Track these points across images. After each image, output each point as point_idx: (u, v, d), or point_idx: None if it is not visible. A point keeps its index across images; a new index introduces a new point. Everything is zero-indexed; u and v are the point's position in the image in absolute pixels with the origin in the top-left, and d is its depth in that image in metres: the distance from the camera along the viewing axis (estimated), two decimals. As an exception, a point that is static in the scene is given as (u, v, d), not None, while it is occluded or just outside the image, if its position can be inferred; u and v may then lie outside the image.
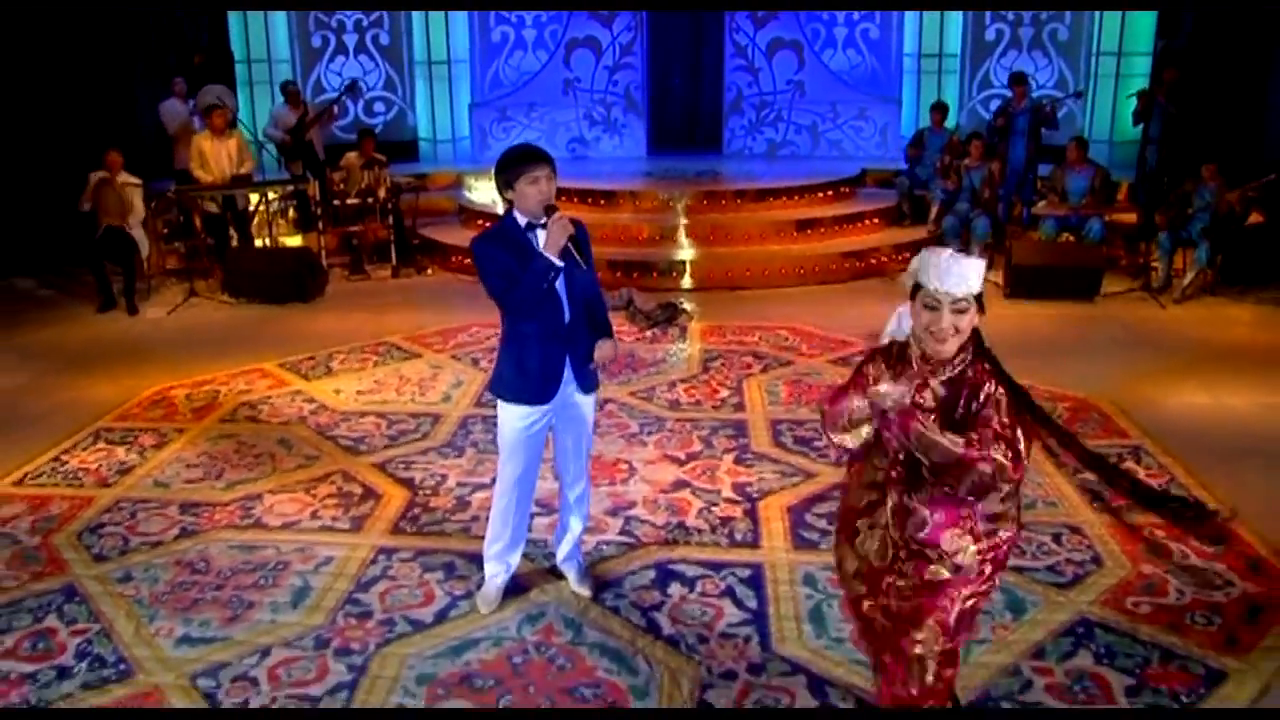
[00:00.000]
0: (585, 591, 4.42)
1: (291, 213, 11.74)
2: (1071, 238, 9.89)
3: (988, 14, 12.96)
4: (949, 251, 2.84)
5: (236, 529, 5.09)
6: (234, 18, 13.17)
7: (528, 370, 4.05)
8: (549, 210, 3.86)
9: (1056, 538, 4.86)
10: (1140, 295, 9.28)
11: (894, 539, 2.99)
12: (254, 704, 3.74)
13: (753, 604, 4.34)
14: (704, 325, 8.55)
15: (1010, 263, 9.31)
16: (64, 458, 6.02)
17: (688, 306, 8.91)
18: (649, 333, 8.37)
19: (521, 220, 3.94)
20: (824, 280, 9.94)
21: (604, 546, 4.86)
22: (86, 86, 11.15)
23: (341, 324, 8.77)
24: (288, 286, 9.42)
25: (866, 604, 3.10)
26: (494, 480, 4.42)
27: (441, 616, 4.28)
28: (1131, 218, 10.56)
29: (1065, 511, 5.13)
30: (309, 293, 9.51)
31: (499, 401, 4.16)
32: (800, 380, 7.15)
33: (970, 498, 2.84)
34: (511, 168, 3.90)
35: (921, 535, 2.92)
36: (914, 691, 2.99)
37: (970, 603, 2.97)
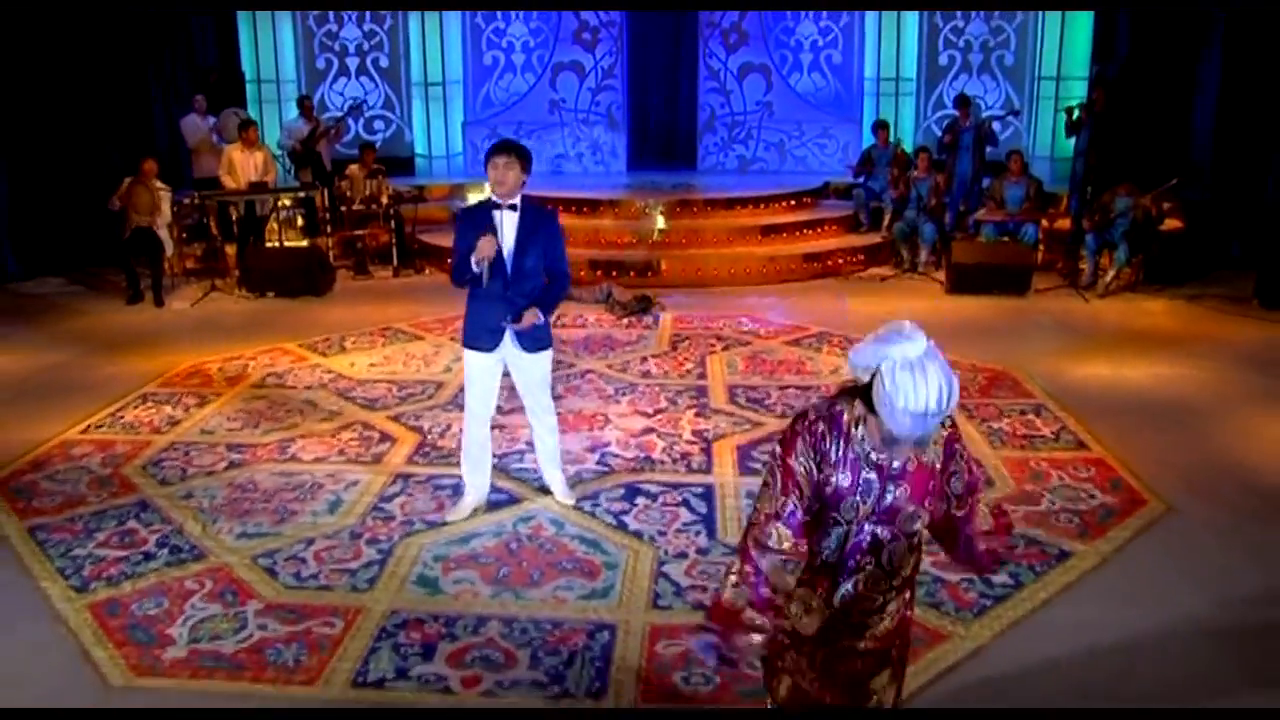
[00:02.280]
0: (569, 500, 5.41)
1: (299, 219, 12.72)
2: (1009, 240, 10.96)
3: (940, 41, 14.08)
4: (919, 404, 2.43)
5: (276, 462, 6.08)
6: (244, 40, 14.19)
7: (473, 323, 5.06)
8: (499, 187, 4.83)
9: (957, 466, 5.87)
10: (1068, 291, 10.35)
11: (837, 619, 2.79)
12: (304, 575, 4.72)
13: (703, 510, 5.36)
14: (674, 314, 9.56)
15: (951, 261, 10.37)
16: (119, 414, 6.99)
17: (661, 300, 9.93)
18: (625, 320, 9.38)
19: (497, 200, 4.92)
20: (785, 279, 10.97)
21: (584, 474, 5.86)
22: (106, 102, 12.08)
23: (350, 314, 9.74)
24: (301, 282, 10.41)
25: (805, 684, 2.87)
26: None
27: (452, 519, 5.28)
28: (1068, 224, 11.64)
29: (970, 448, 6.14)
30: (320, 288, 10.49)
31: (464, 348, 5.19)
32: (756, 356, 8.17)
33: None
34: (486, 158, 4.92)
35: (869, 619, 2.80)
36: None
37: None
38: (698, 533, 5.11)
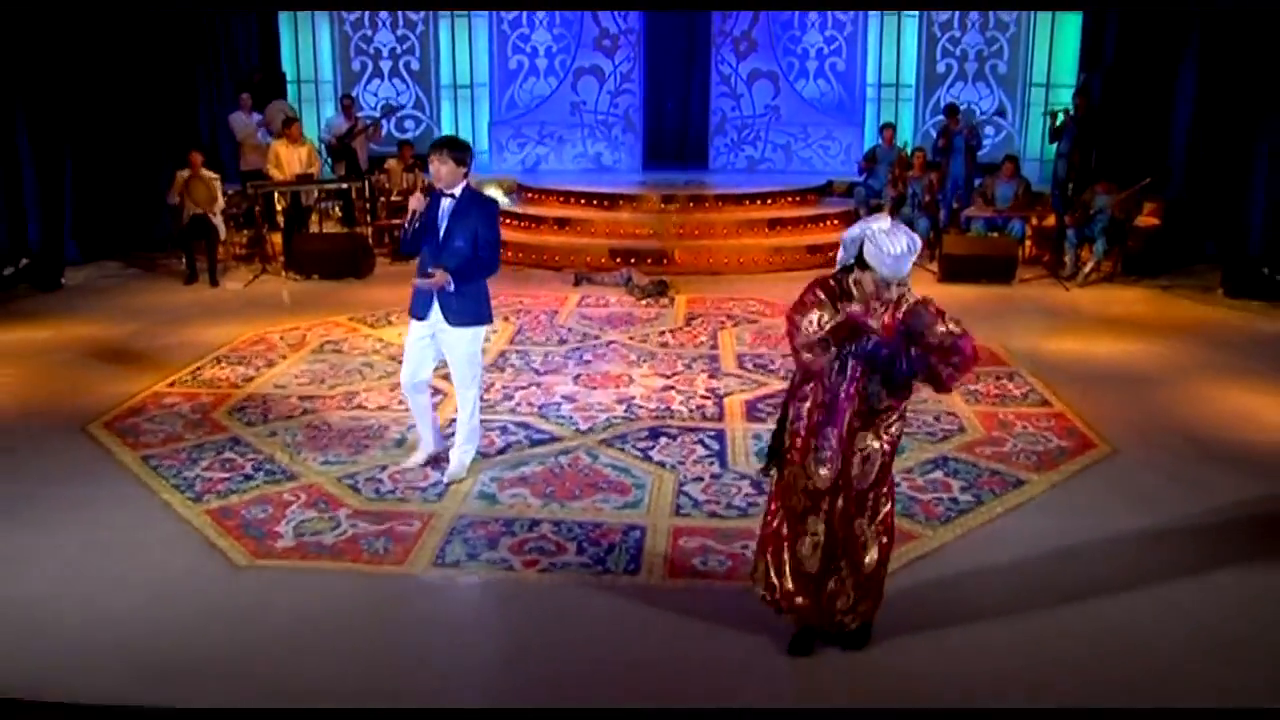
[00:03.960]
0: (459, 476, 5.80)
1: (336, 210, 13.66)
2: (997, 235, 11.86)
3: (939, 49, 15.00)
4: (897, 249, 3.61)
5: (344, 410, 7.01)
6: (285, 44, 15.16)
7: (414, 294, 5.71)
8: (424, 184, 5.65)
9: (936, 417, 6.80)
10: (1050, 281, 11.25)
11: (845, 448, 3.82)
12: (382, 491, 5.64)
13: (716, 448, 6.28)
14: (688, 296, 10.47)
15: (942, 252, 11.28)
16: (198, 371, 7.91)
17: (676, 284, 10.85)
18: (644, 301, 10.29)
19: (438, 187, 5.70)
20: (790, 268, 11.85)
21: (613, 420, 6.77)
22: (156, 101, 12.98)
23: (391, 294, 10.61)
24: (345, 264, 11.34)
25: (810, 518, 3.92)
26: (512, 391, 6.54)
27: (501, 451, 6.20)
28: (1054, 221, 12.54)
29: (947, 405, 7.05)
30: (362, 271, 11.43)
31: None
32: (763, 331, 9.07)
33: (952, 381, 3.84)
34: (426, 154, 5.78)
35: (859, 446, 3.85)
36: (874, 559, 4.01)
37: (888, 487, 4.02)
38: (711, 463, 6.04)
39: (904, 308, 3.81)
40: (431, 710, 3.93)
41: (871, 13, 14.96)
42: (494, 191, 13.81)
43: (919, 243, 3.79)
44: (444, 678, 4.08)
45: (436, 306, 5.64)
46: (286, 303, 10.35)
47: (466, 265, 5.63)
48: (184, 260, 11.43)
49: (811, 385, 3.92)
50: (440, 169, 5.55)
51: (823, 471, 3.89)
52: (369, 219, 12.65)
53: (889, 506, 4.09)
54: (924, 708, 3.88)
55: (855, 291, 3.82)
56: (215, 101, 13.93)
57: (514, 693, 3.98)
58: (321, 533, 5.17)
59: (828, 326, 3.77)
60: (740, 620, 4.34)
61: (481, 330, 5.82)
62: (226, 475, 5.89)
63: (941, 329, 3.80)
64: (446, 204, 5.60)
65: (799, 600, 4.04)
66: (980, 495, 5.60)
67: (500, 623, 4.50)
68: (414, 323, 5.79)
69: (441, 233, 5.62)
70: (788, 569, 4.04)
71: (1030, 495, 5.64)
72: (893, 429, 3.97)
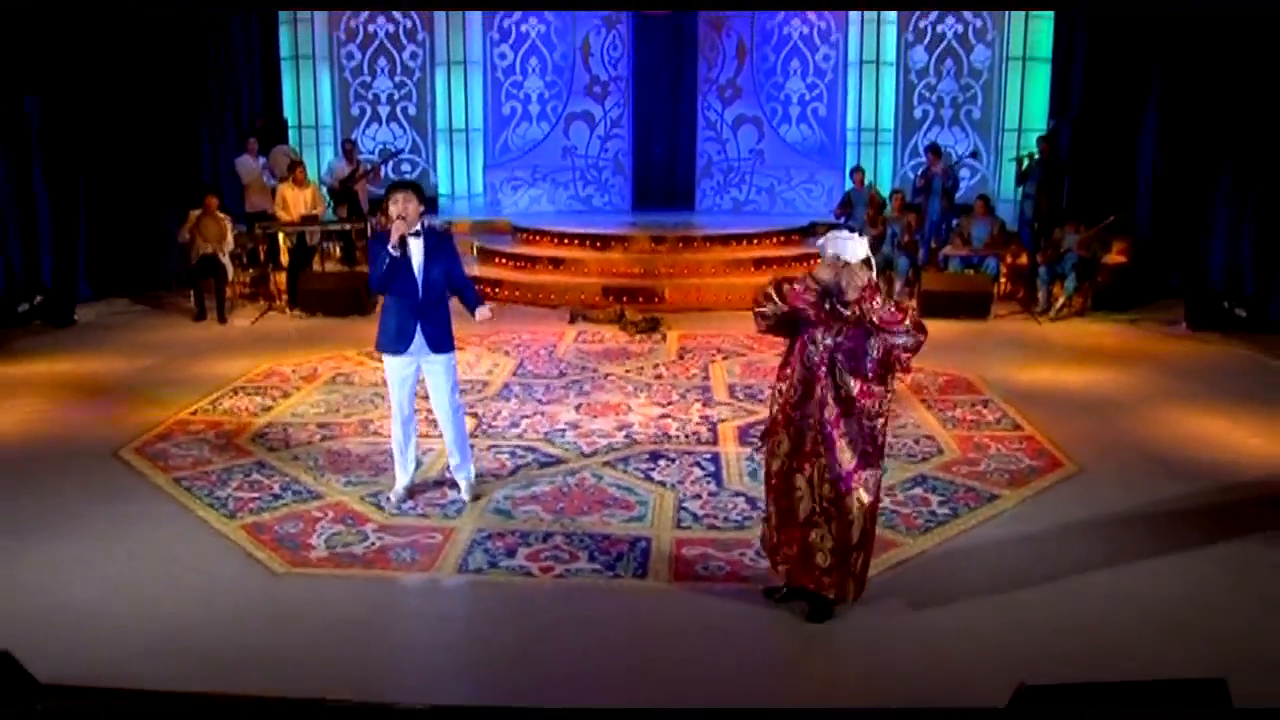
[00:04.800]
0: (467, 497, 6.21)
1: (336, 251, 14.13)
2: (973, 272, 12.43)
3: (915, 96, 15.66)
4: (835, 236, 4.65)
5: (361, 436, 7.45)
6: (287, 89, 15.69)
7: (387, 329, 5.98)
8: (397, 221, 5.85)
9: (916, 440, 7.29)
10: (1023, 316, 11.81)
11: (814, 425, 4.62)
12: (404, 508, 6.08)
13: (712, 469, 6.75)
14: (680, 332, 10.97)
15: (921, 289, 11.82)
16: (218, 401, 8.34)
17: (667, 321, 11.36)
18: (637, 336, 10.78)
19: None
20: (776, 305, 12.37)
21: (614, 445, 7.24)
22: (161, 142, 13.45)
23: (394, 330, 11.11)
24: (349, 302, 11.80)
25: (796, 477, 4.68)
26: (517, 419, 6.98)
27: (512, 473, 6.65)
28: (1026, 259, 13.12)
29: (926, 430, 7.55)
30: (366, 308, 11.88)
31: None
32: (752, 364, 9.56)
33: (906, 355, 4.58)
34: (386, 195, 6.17)
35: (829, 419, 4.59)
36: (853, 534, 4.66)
37: (872, 475, 4.67)
38: (709, 482, 6.51)
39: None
40: (464, 708, 4.12)
41: (851, 61, 15.61)
42: (492, 233, 14.37)
43: (859, 241, 4.67)
44: (473, 671, 4.52)
45: (420, 338, 6.01)
46: (293, 338, 10.79)
47: (468, 292, 6.21)
48: (192, 298, 11.88)
49: (791, 365, 4.73)
50: (408, 207, 5.87)
51: (800, 441, 4.68)
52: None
53: (869, 498, 4.69)
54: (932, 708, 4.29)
55: (817, 281, 4.65)
56: (220, 145, 14.42)
57: (538, 687, 4.40)
58: (351, 544, 5.61)
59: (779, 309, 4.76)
60: (739, 617, 4.81)
61: (455, 354, 6.29)
62: (256, 495, 6.32)
63: (878, 304, 4.55)
64: (414, 242, 5.92)
65: (787, 551, 4.82)
66: (957, 509, 6.09)
67: (523, 621, 4.91)
68: (394, 359, 6.05)
69: (418, 269, 5.94)
70: (775, 520, 4.85)
71: (1002, 509, 6.13)
72: (869, 421, 4.62)
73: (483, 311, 6.22)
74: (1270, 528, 5.87)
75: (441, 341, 6.07)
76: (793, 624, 4.84)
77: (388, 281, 5.91)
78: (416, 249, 5.96)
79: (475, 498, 6.22)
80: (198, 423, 7.80)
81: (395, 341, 6.01)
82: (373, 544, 5.62)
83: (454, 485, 6.38)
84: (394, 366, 6.10)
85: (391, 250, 5.80)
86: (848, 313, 4.57)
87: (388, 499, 6.21)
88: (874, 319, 4.56)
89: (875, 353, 4.63)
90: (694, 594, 5.12)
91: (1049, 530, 5.83)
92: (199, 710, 3.83)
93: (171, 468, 6.82)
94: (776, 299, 4.76)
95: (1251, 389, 8.73)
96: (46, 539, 5.68)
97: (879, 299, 4.60)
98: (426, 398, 6.35)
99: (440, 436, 6.52)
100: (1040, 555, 5.53)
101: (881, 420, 4.70)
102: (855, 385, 4.62)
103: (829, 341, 4.65)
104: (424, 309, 5.98)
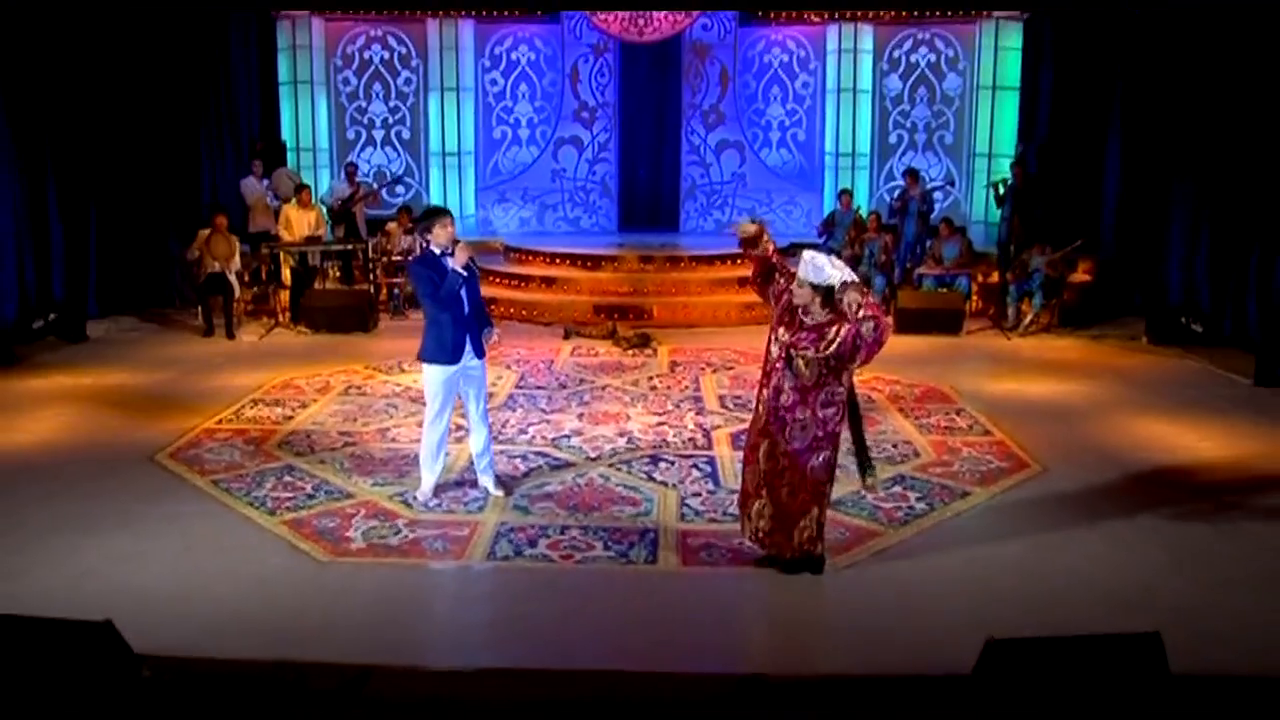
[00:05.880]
0: (499, 492, 6.82)
1: (335, 270, 14.66)
2: (946, 290, 13.11)
3: (890, 122, 16.39)
4: (815, 260, 5.30)
5: (381, 442, 8.01)
6: (285, 113, 16.23)
7: (444, 342, 6.50)
8: (454, 243, 6.56)
9: (895, 444, 7.93)
10: (994, 331, 12.50)
11: (772, 408, 5.45)
12: (431, 505, 6.64)
13: (709, 470, 7.36)
14: (670, 347, 11.58)
15: (897, 307, 12.49)
16: (240, 411, 8.87)
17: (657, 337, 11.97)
18: (630, 351, 11.38)
19: (436, 250, 6.64)
20: (759, 322, 12.89)
21: (618, 450, 7.83)
22: (164, 163, 13.97)
23: (397, 346, 11.61)
24: (353, 319, 12.36)
25: (759, 450, 5.53)
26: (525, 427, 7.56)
27: (526, 475, 7.24)
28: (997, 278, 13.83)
29: (904, 436, 8.19)
30: (368, 325, 12.44)
31: (425, 365, 6.61)
32: (740, 377, 10.18)
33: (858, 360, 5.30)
34: (430, 218, 6.71)
35: (785, 405, 5.43)
36: (804, 496, 5.49)
37: (822, 456, 5.48)
38: (706, 482, 7.12)
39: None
40: (498, 670, 4.78)
41: (829, 88, 16.31)
42: (484, 254, 14.92)
43: (836, 264, 5.37)
44: (508, 642, 5.09)
45: (469, 348, 6.64)
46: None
47: (483, 309, 6.88)
48: (200, 314, 12.42)
49: (764, 360, 5.65)
50: (452, 230, 6.62)
51: (763, 416, 5.55)
52: (370, 278, 13.66)
53: (816, 477, 5.50)
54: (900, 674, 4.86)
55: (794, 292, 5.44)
56: (218, 167, 14.94)
57: (564, 653, 4.97)
58: (386, 537, 6.17)
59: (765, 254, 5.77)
60: (742, 594, 5.44)
61: None
62: (291, 495, 6.87)
63: (853, 297, 5.23)
64: (453, 262, 6.48)
65: (740, 514, 5.81)
66: (933, 504, 6.72)
67: (549, 600, 5.47)
68: (446, 368, 6.56)
69: (465, 285, 6.58)
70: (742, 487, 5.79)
71: (973, 503, 6.77)
72: (825, 411, 5.41)
73: (494, 333, 6.86)
74: (1208, 519, 6.57)
75: (480, 348, 6.70)
76: (791, 598, 5.46)
77: (453, 300, 6.49)
78: (459, 268, 6.51)
79: (505, 491, 6.84)
80: (224, 430, 8.33)
81: (451, 353, 6.54)
82: (406, 536, 6.19)
83: (473, 484, 6.95)
84: (445, 375, 6.59)
85: (461, 271, 6.44)
86: (809, 321, 5.38)
87: (414, 497, 6.77)
88: (858, 309, 5.22)
89: (829, 348, 5.29)
90: (700, 576, 5.73)
91: (1015, 522, 6.47)
92: (285, 676, 4.41)
93: (207, 471, 7.35)
94: (775, 256, 5.77)
95: (1202, 398, 9.43)
96: (106, 533, 6.21)
97: (865, 295, 5.33)
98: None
99: (456, 443, 7.08)
100: (1007, 543, 6.17)
101: (833, 409, 5.44)
102: (807, 384, 5.39)
103: (787, 338, 5.43)
104: (469, 322, 6.60)
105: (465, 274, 6.50)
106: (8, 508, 6.62)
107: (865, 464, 5.73)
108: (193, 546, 6.06)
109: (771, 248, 5.79)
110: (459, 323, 6.59)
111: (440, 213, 6.73)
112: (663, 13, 15.36)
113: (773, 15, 16.26)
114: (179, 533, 6.26)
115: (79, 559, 5.87)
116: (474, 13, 16.16)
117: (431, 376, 6.66)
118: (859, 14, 15.78)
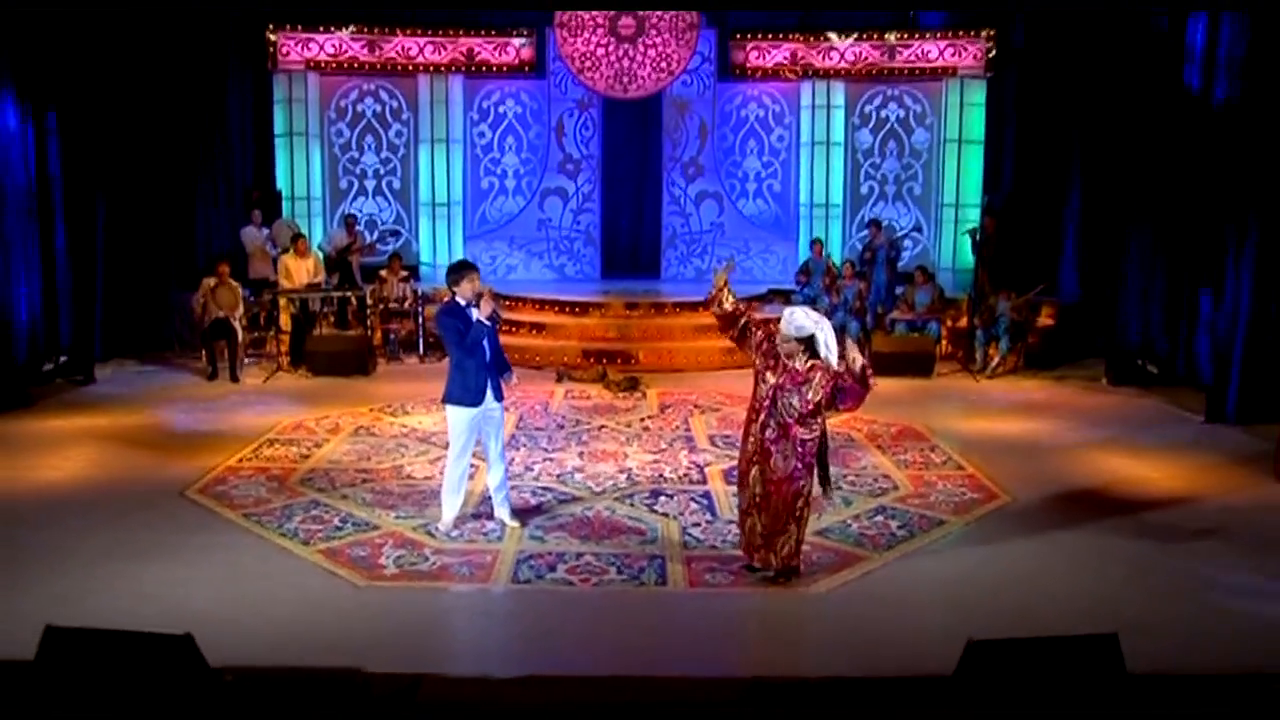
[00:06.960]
0: (515, 523, 7.39)
1: (330, 317, 15.19)
2: (917, 334, 13.83)
3: (862, 173, 17.20)
4: (794, 316, 6.20)
5: (397, 479, 8.56)
6: (280, 163, 16.82)
7: (468, 386, 7.06)
8: (478, 296, 7.12)
9: (875, 479, 8.57)
10: (963, 374, 13.20)
11: (758, 440, 6.29)
12: (453, 534, 7.20)
13: (706, 503, 7.97)
14: (658, 390, 12.19)
15: (870, 350, 13.17)
16: (258, 450, 9.39)
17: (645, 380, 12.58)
18: (620, 394, 11.98)
19: (462, 301, 7.23)
20: (741, 367, 13.35)
21: (620, 485, 8.41)
22: (162, 216, 14.45)
23: (398, 390, 12.18)
24: (353, 363, 12.89)
25: (749, 475, 6.37)
26: (530, 464, 8.23)
27: (536, 510, 7.81)
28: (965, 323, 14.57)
29: (883, 471, 8.83)
30: (368, 369, 12.98)
31: (449, 406, 7.15)
32: (726, 417, 10.80)
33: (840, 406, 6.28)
34: (458, 272, 7.27)
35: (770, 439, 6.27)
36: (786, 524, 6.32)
37: (800, 483, 6.32)
38: (704, 513, 7.72)
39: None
40: (538, 677, 5.25)
41: (803, 142, 17.11)
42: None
43: (814, 318, 6.25)
44: (535, 654, 5.65)
45: (490, 391, 7.22)
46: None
47: (501, 356, 7.41)
48: (204, 358, 12.91)
49: (753, 392, 6.41)
50: (477, 284, 7.17)
51: (749, 449, 6.38)
52: (366, 324, 14.20)
53: (798, 501, 6.26)
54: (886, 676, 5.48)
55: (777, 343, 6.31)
56: (212, 215, 15.49)
57: (591, 663, 5.54)
58: (416, 563, 6.73)
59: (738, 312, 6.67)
60: (746, 610, 6.03)
61: None
62: (320, 527, 7.40)
63: (852, 355, 6.17)
64: (476, 313, 7.08)
65: (740, 533, 6.60)
66: (912, 530, 7.37)
67: (571, 617, 6.05)
68: (470, 410, 7.10)
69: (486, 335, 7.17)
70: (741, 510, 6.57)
71: (949, 530, 7.43)
72: (803, 445, 6.21)
73: (513, 378, 7.53)
74: (1159, 539, 7.30)
75: (499, 392, 7.29)
76: (791, 612, 6.08)
77: (476, 347, 7.05)
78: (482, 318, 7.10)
79: (520, 523, 7.39)
80: (246, 469, 8.84)
81: (476, 395, 7.10)
82: (434, 563, 6.74)
83: (489, 516, 7.51)
84: (469, 417, 7.14)
85: (486, 322, 7.02)
86: (796, 366, 6.19)
87: (436, 528, 7.32)
88: (852, 364, 6.15)
89: (813, 394, 6.13)
90: (706, 595, 6.34)
91: (987, 545, 7.13)
92: (353, 679, 4.94)
93: (237, 505, 7.86)
94: (740, 309, 6.63)
95: (1157, 434, 10.17)
96: (154, 561, 6.73)
97: (858, 353, 6.26)
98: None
99: (471, 478, 7.66)
100: (979, 564, 6.83)
101: (812, 443, 6.26)
102: (789, 420, 6.18)
103: (773, 381, 6.23)
104: (490, 367, 7.17)
105: (489, 324, 7.07)
106: (55, 539, 7.11)
107: (825, 480, 6.62)
108: (236, 574, 6.59)
109: (731, 303, 6.57)
110: (481, 368, 7.15)
111: (468, 267, 7.31)
112: (646, 70, 16.12)
113: (749, 72, 17.02)
114: (221, 561, 6.78)
115: (131, 585, 6.38)
116: (462, 71, 16.86)
117: (455, 418, 7.21)
118: (831, 71, 16.62)
